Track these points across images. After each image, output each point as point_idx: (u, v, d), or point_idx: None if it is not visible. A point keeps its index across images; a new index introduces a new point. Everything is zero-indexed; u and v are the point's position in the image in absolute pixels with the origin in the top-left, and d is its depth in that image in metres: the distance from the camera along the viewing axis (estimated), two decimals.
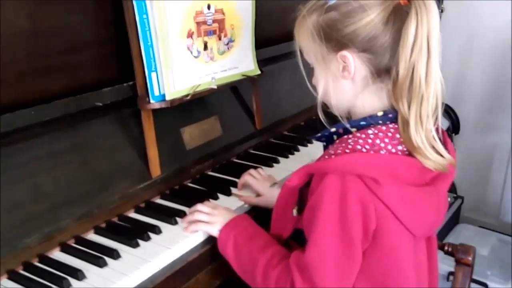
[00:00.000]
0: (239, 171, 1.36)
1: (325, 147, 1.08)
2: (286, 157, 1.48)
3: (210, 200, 1.22)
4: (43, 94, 1.06)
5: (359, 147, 0.92)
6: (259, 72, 1.43)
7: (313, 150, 1.53)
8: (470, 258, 1.22)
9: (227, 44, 1.32)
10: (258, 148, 1.52)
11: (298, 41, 1.00)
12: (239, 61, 1.36)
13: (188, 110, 1.31)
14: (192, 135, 1.32)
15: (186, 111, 1.30)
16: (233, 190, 1.27)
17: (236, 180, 1.31)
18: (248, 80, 1.43)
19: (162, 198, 1.24)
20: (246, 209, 1.23)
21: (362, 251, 0.90)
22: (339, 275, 0.90)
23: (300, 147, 1.54)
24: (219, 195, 1.25)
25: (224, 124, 1.42)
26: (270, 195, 1.20)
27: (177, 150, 1.29)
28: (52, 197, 1.02)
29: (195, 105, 1.33)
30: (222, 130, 1.41)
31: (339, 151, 0.92)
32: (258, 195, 1.24)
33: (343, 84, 0.95)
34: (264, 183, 1.25)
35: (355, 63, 0.92)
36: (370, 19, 0.89)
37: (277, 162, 1.44)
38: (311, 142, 1.58)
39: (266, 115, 1.56)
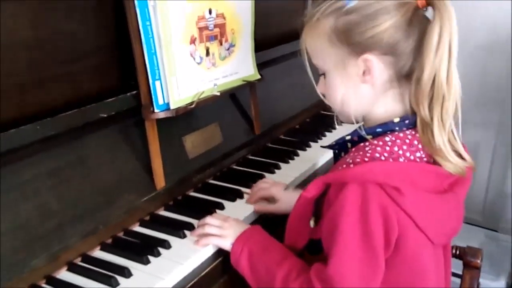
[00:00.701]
0: (240, 178, 1.34)
1: (336, 155, 1.06)
2: (287, 162, 1.45)
3: (217, 210, 1.19)
4: (43, 106, 1.01)
5: (377, 155, 0.90)
6: (259, 76, 1.40)
7: (312, 155, 1.51)
8: (478, 261, 1.22)
9: (228, 49, 1.29)
10: (257, 154, 1.50)
11: (309, 46, 0.96)
12: (239, 66, 1.33)
13: (189, 117, 1.27)
14: (194, 143, 1.28)
15: (186, 119, 1.27)
16: (239, 199, 1.25)
17: (239, 188, 1.28)
18: (245, 84, 1.40)
19: (166, 209, 1.21)
20: (254, 218, 1.20)
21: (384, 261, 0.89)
22: (363, 286, 0.89)
23: (299, 152, 1.51)
24: (225, 204, 1.22)
25: (224, 130, 1.39)
26: (286, 199, 1.19)
27: (180, 160, 1.25)
28: (57, 216, 0.98)
29: (195, 113, 1.29)
30: (222, 137, 1.38)
31: (358, 160, 0.90)
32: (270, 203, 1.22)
33: (362, 89, 0.93)
34: (277, 187, 1.23)
35: (378, 66, 0.90)
36: (394, 21, 0.87)
37: (278, 168, 1.41)
38: (309, 146, 1.56)
39: (263, 119, 1.53)
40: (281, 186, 1.24)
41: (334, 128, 1.71)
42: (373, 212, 0.86)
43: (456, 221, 0.97)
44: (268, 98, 1.60)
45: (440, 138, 0.89)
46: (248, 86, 1.42)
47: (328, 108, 1.75)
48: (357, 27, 0.89)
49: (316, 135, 1.63)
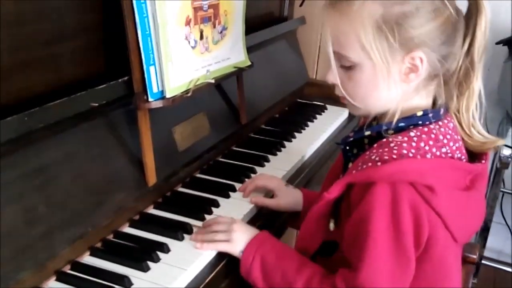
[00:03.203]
0: (230, 172, 1.25)
1: (346, 151, 0.99)
2: (275, 154, 1.37)
3: (212, 208, 1.10)
4: (24, 93, 0.88)
5: (405, 151, 0.84)
6: (249, 63, 1.31)
7: (299, 146, 1.45)
8: (475, 257, 1.21)
9: (221, 32, 1.19)
10: (243, 145, 1.41)
11: (339, 33, 0.84)
12: (231, 51, 1.24)
13: (176, 106, 1.16)
14: (183, 134, 1.18)
15: (174, 108, 1.15)
16: (233, 194, 1.16)
17: (232, 183, 1.19)
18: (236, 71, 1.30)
19: (157, 208, 1.10)
20: (251, 216, 1.12)
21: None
22: None
23: (285, 143, 1.44)
24: (219, 201, 1.12)
25: (211, 120, 1.29)
26: (286, 196, 1.13)
27: (170, 153, 1.14)
28: (44, 219, 0.85)
29: (182, 101, 1.18)
30: (209, 127, 1.28)
31: (386, 158, 0.84)
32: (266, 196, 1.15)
33: (396, 87, 0.85)
34: (278, 182, 1.16)
35: (425, 65, 0.84)
36: (448, 13, 0.82)
37: (267, 160, 1.33)
38: (294, 137, 1.49)
39: (246, 108, 1.44)
40: (281, 181, 1.17)
41: (315, 118, 1.65)
42: (404, 213, 0.81)
43: (479, 219, 0.94)
44: (250, 86, 1.51)
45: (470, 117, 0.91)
46: (234, 73, 1.33)
47: (305, 96, 1.68)
48: (411, 20, 0.81)
49: (299, 125, 1.56)
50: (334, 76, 0.89)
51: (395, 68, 0.83)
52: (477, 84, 0.89)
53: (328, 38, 0.86)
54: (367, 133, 0.92)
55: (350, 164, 0.95)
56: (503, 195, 2.26)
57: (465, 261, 1.21)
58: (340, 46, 0.85)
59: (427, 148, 0.85)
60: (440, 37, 0.83)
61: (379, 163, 0.84)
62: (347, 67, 0.87)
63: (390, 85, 0.85)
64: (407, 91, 0.86)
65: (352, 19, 0.82)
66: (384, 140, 0.87)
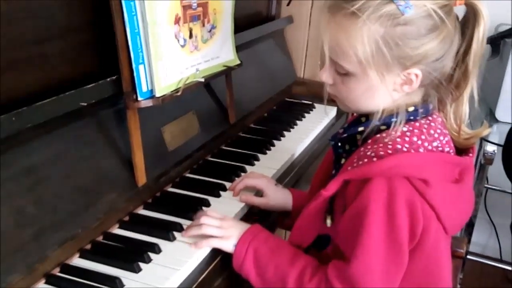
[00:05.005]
0: (220, 171, 1.25)
1: (337, 147, 0.99)
2: (264, 153, 1.37)
3: (202, 207, 1.09)
4: (12, 93, 0.86)
5: (399, 146, 0.86)
6: (238, 62, 1.31)
7: (288, 144, 1.45)
8: (463, 251, 1.22)
9: (210, 31, 1.18)
10: (232, 145, 1.40)
11: (340, 46, 0.84)
12: (220, 50, 1.23)
13: (165, 106, 1.15)
14: (173, 134, 1.17)
15: (163, 107, 1.14)
16: (223, 194, 1.15)
17: (222, 182, 1.19)
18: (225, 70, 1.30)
19: (146, 208, 1.09)
20: (242, 215, 1.11)
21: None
22: (386, 285, 0.85)
23: (275, 142, 1.44)
24: (210, 200, 1.12)
25: (200, 120, 1.28)
26: (275, 195, 1.12)
27: (160, 152, 1.13)
28: (34, 221, 0.83)
29: (171, 100, 1.17)
30: (199, 126, 1.27)
31: (381, 153, 0.85)
32: (256, 195, 1.15)
33: (388, 94, 0.86)
34: (268, 181, 1.15)
35: (419, 79, 0.85)
36: (446, 32, 0.82)
37: (257, 159, 1.33)
38: (283, 136, 1.49)
39: (235, 107, 1.44)
40: (271, 181, 1.16)
41: (304, 116, 1.65)
42: (400, 208, 0.82)
43: (468, 211, 0.96)
44: (238, 85, 1.50)
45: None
46: (223, 72, 1.32)
47: (293, 95, 1.68)
48: (411, 41, 0.81)
49: (288, 124, 1.56)
50: (327, 76, 0.90)
51: (390, 80, 0.85)
52: (469, 90, 0.90)
53: (325, 40, 0.86)
54: (361, 129, 0.92)
55: (343, 160, 0.95)
56: (487, 191, 2.29)
57: (453, 255, 1.22)
58: (336, 56, 0.86)
59: (419, 142, 0.87)
60: (437, 54, 0.84)
61: (374, 159, 0.85)
62: (342, 73, 0.87)
63: (383, 93, 0.86)
64: (399, 96, 0.88)
65: (352, 36, 0.82)
66: (378, 135, 0.89)
